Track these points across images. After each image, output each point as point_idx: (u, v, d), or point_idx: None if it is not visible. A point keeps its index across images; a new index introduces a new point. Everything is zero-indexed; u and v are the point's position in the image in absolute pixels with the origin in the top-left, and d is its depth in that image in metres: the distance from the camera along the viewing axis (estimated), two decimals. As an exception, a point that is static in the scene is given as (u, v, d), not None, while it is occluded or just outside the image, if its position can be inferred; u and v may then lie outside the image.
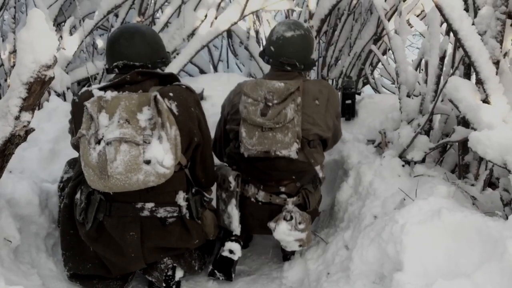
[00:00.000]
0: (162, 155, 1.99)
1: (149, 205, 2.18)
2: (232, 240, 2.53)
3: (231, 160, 2.57)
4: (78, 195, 2.24)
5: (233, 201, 2.44)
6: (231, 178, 2.42)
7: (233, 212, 2.45)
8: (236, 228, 2.47)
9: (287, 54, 2.47)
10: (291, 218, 2.39)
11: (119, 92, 2.11)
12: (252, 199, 2.50)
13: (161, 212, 2.20)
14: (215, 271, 2.51)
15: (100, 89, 2.14)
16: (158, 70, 2.28)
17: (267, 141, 2.33)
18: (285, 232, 2.39)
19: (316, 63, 3.79)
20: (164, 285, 2.32)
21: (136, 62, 2.21)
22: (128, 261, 2.21)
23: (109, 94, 2.07)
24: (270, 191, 2.49)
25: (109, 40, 2.28)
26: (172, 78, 2.28)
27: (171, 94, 2.18)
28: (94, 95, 2.08)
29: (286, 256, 2.67)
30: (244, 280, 2.57)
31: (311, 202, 2.51)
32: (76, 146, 2.26)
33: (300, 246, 2.44)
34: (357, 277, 2.08)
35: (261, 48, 4.38)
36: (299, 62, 2.49)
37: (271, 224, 2.42)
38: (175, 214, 2.23)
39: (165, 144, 2.01)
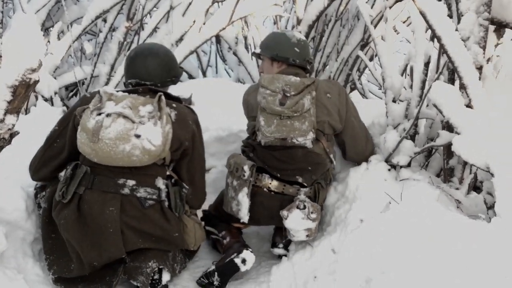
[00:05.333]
0: (152, 134, 2.17)
1: (131, 182, 2.27)
2: (250, 251, 2.53)
3: (249, 148, 2.68)
4: (62, 173, 2.33)
5: (245, 190, 2.54)
6: (246, 168, 2.53)
7: (244, 200, 2.54)
8: (245, 216, 2.56)
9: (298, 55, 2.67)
10: (304, 207, 2.48)
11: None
12: (265, 189, 2.59)
13: (141, 192, 2.28)
14: (216, 273, 2.49)
15: None
16: (168, 90, 2.48)
17: (285, 128, 2.50)
18: (297, 220, 2.46)
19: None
20: (150, 289, 2.31)
21: (148, 81, 2.43)
22: (105, 243, 2.20)
23: (120, 93, 2.29)
24: (286, 179, 2.58)
25: (127, 58, 2.50)
26: (178, 100, 2.46)
27: (174, 105, 2.38)
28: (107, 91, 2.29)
29: (275, 243, 2.72)
30: (233, 284, 2.57)
31: (320, 197, 2.61)
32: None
33: (307, 236, 2.50)
34: (343, 280, 2.10)
35: (249, 53, 4.41)
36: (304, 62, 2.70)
37: (284, 212, 2.48)
38: (154, 197, 2.30)
39: (158, 128, 2.18)
